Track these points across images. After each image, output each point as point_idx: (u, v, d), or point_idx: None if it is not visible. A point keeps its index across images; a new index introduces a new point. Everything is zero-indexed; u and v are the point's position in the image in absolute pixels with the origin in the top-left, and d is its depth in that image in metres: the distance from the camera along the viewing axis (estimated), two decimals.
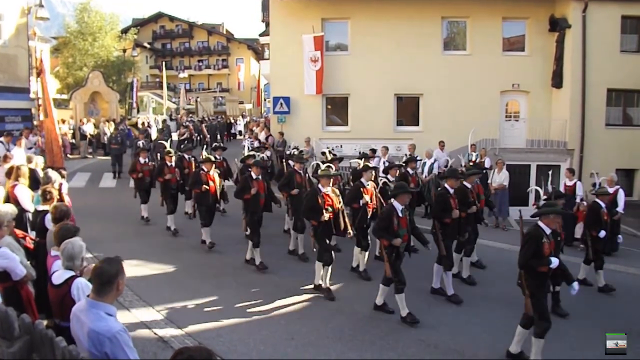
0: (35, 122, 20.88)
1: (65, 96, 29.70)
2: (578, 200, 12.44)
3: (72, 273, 4.12)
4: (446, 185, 8.43)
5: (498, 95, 18.56)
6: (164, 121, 29.95)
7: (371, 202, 8.77)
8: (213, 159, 10.99)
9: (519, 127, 18.74)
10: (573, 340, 6.82)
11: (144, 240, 10.80)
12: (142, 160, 12.22)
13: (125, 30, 35.52)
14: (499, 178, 13.67)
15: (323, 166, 8.65)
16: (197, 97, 43.64)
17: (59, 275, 4.16)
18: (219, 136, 29.85)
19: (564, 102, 17.83)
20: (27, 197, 7.56)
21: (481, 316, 7.53)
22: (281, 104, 18.58)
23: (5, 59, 20.70)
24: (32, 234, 6.40)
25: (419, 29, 18.24)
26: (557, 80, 17.92)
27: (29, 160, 9.62)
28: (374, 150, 14.99)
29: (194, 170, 11.82)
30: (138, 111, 32.55)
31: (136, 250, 9.87)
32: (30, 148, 14.00)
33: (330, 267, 7.98)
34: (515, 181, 15.11)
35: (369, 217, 8.78)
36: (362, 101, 18.60)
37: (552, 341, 6.47)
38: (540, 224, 6.07)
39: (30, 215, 7.23)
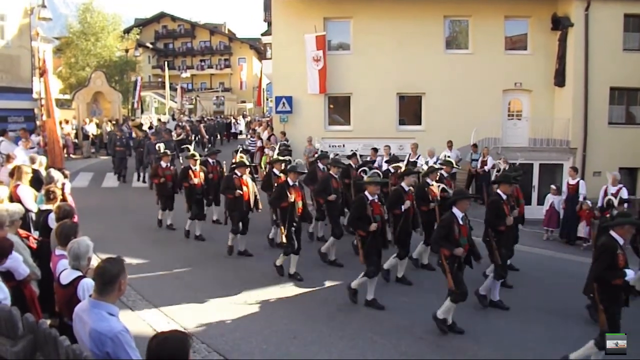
0: (38, 122, 20.94)
1: (67, 96, 29.78)
2: (581, 199, 12.42)
3: (79, 273, 4.14)
4: (499, 191, 8.04)
5: (500, 94, 18.54)
6: (159, 120, 29.52)
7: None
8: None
9: (522, 125, 18.71)
10: (574, 340, 6.80)
11: (147, 240, 10.82)
12: (163, 164, 11.53)
13: (127, 31, 35.54)
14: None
15: (369, 172, 8.36)
16: (197, 96, 43.33)
17: (66, 275, 4.17)
18: (218, 137, 29.39)
19: (566, 100, 17.79)
20: (29, 197, 7.59)
21: (483, 316, 7.53)
22: (283, 103, 18.60)
23: (8, 60, 20.76)
24: (35, 234, 6.41)
25: (421, 28, 18.23)
26: (560, 79, 17.89)
27: (33, 160, 9.65)
28: (375, 149, 14.99)
29: (219, 174, 11.60)
30: (142, 111, 32.38)
31: (139, 250, 9.88)
32: (32, 148, 14.02)
33: (375, 279, 7.56)
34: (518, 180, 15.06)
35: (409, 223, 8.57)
36: (365, 100, 18.60)
37: (555, 342, 6.47)
38: (614, 234, 5.78)
39: (33, 215, 7.24)
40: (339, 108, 19.46)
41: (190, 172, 10.82)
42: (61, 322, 4.21)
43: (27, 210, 7.27)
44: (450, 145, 15.90)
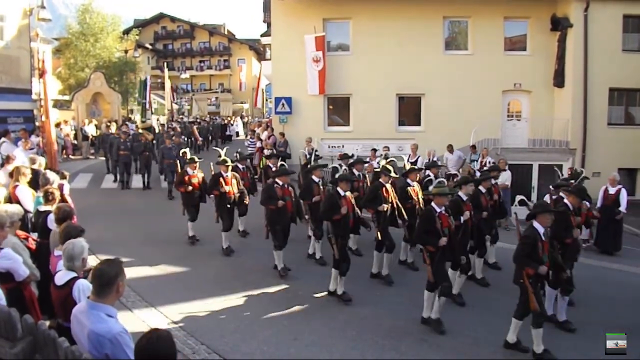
0: (37, 123, 20.91)
1: (67, 97, 29.75)
2: None
3: (74, 274, 4.12)
4: (567, 201, 7.74)
5: (500, 94, 18.56)
6: (157, 121, 28.99)
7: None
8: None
9: (521, 126, 18.72)
10: (574, 340, 6.81)
11: (147, 241, 10.78)
12: (190, 171, 10.61)
13: (126, 31, 35.51)
14: (501, 178, 13.60)
15: (433, 183, 8.20)
16: (193, 95, 42.57)
17: (61, 276, 4.16)
18: (210, 138, 28.28)
19: (566, 101, 17.81)
20: (28, 198, 7.57)
21: (484, 316, 7.52)
22: (283, 104, 18.60)
23: (7, 60, 20.74)
24: (34, 235, 6.40)
25: (421, 29, 18.25)
26: (559, 80, 17.91)
27: (32, 161, 9.62)
28: (375, 150, 15.00)
29: (250, 181, 11.20)
30: (152, 112, 30.49)
31: (139, 251, 9.86)
32: (32, 149, 14.00)
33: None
34: (518, 181, 15.09)
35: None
36: (364, 101, 18.61)
37: (554, 341, 6.46)
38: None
39: (30, 216, 7.22)
40: (339, 109, 19.46)
41: (222, 179, 9.96)
42: (58, 324, 4.19)
43: (26, 211, 7.26)
44: (450, 149, 15.86)
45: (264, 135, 19.52)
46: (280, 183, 8.73)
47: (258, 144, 18.84)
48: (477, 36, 18.45)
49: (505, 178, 13.64)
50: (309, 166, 10.90)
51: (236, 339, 6.45)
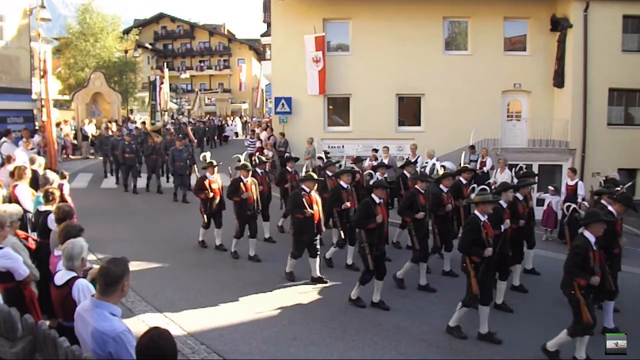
0: (37, 123, 20.91)
1: (67, 97, 29.74)
2: (580, 200, 12.41)
3: (73, 274, 4.13)
4: (611, 209, 7.60)
5: (500, 95, 18.57)
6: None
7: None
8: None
9: (521, 127, 18.74)
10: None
11: (146, 241, 10.80)
12: (210, 176, 10.20)
13: (126, 31, 35.50)
14: (501, 178, 13.64)
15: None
16: (199, 91, 41.16)
17: (60, 275, 4.16)
18: (206, 140, 27.31)
19: (565, 101, 17.82)
20: (27, 198, 7.58)
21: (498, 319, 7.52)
22: (283, 104, 18.60)
23: (7, 60, 20.74)
24: (33, 235, 6.41)
25: (421, 29, 18.26)
26: (559, 80, 17.93)
27: (32, 161, 9.63)
28: (375, 150, 15.01)
29: (268, 186, 11.00)
30: (162, 114, 28.08)
31: (138, 250, 9.87)
32: (32, 149, 14.00)
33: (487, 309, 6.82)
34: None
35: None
36: (364, 101, 18.61)
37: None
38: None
39: (30, 216, 7.23)
40: (338, 109, 19.47)
41: (242, 184, 9.52)
42: (58, 324, 4.20)
43: (25, 211, 7.27)
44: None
45: (263, 136, 19.53)
46: (307, 190, 8.36)
47: (258, 144, 18.85)
48: (477, 36, 18.46)
49: (505, 178, 13.64)
50: (329, 171, 10.71)
51: (235, 339, 6.45)
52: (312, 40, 18.07)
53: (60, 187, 7.64)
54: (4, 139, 14.11)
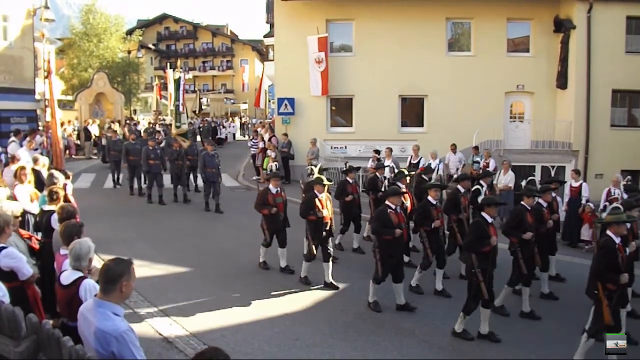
0: (41, 123, 20.98)
1: (70, 97, 29.85)
2: (584, 201, 12.39)
3: (80, 274, 4.15)
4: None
5: (502, 96, 18.53)
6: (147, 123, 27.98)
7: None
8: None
9: (524, 128, 18.71)
10: (574, 340, 6.79)
11: (149, 241, 10.82)
12: (273, 189, 8.99)
13: (130, 32, 35.61)
14: (505, 179, 13.66)
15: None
16: (198, 90, 38.77)
17: (67, 275, 4.18)
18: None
19: (568, 103, 17.78)
20: (26, 198, 7.60)
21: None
22: (286, 105, 18.60)
23: (11, 60, 20.82)
24: (37, 234, 6.43)
25: (424, 30, 18.23)
26: (562, 81, 17.88)
27: (36, 161, 9.67)
28: (377, 152, 14.99)
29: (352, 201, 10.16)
30: (188, 116, 27.36)
31: (141, 251, 9.89)
32: (36, 149, 14.04)
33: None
34: (521, 183, 15.06)
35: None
36: (367, 102, 18.60)
37: (554, 342, 6.45)
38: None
39: (29, 217, 7.25)
40: (341, 110, 19.46)
41: (317, 201, 8.39)
42: (62, 323, 4.22)
43: (24, 212, 7.29)
44: (453, 148, 15.83)
45: (266, 136, 19.53)
46: (393, 206, 7.49)
47: (261, 145, 18.86)
48: (480, 37, 18.43)
49: (508, 180, 13.65)
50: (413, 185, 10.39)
51: (238, 339, 6.46)
52: (315, 41, 18.06)
53: (64, 187, 7.67)
54: (12, 138, 14.19)
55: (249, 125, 38.07)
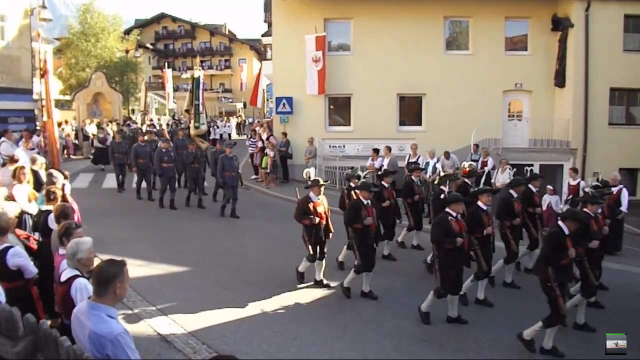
0: (38, 123, 20.94)
1: (68, 97, 29.83)
2: None
3: (76, 272, 4.13)
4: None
5: (501, 94, 18.55)
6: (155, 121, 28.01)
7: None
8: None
9: (522, 126, 18.73)
10: (575, 340, 6.81)
11: (148, 241, 10.81)
12: (314, 197, 8.26)
13: (128, 31, 35.59)
14: (503, 178, 13.64)
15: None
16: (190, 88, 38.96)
17: (66, 274, 4.18)
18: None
19: (566, 101, 17.80)
20: (23, 198, 7.57)
21: (485, 316, 7.52)
22: (284, 104, 18.60)
23: (8, 60, 20.79)
24: (34, 234, 6.40)
25: (422, 29, 18.24)
26: (560, 80, 17.91)
27: (33, 161, 9.63)
28: (376, 150, 14.99)
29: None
30: (207, 115, 25.34)
31: (140, 250, 9.88)
32: (33, 149, 13.98)
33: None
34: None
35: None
36: (365, 101, 18.60)
37: (555, 342, 6.45)
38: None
39: (27, 217, 7.22)
40: (340, 109, 19.46)
41: (363, 208, 7.86)
42: (62, 322, 4.21)
43: (22, 212, 7.27)
44: (447, 154, 15.41)
45: (264, 135, 19.52)
46: (454, 214, 7.00)
47: (259, 144, 18.84)
48: (478, 36, 18.44)
49: (506, 178, 13.63)
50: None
51: (237, 339, 6.45)
52: (313, 40, 18.05)
53: (63, 187, 7.64)
54: (2, 138, 14.12)
55: (246, 125, 37.86)
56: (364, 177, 9.01)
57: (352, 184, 9.02)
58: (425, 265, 9.35)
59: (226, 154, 13.02)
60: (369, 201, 7.96)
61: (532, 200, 9.47)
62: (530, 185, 9.59)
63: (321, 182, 8.48)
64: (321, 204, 8.30)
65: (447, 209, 7.09)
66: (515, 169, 11.93)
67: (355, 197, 8.18)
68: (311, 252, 8.24)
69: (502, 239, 8.57)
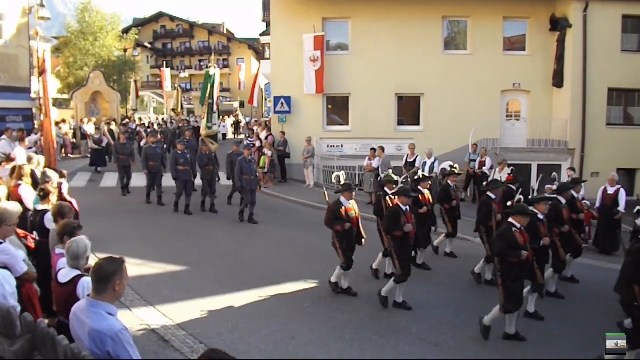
0: (36, 122, 20.90)
1: (66, 96, 29.77)
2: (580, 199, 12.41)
3: (78, 272, 4.13)
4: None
5: (499, 94, 18.57)
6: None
7: None
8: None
9: (520, 126, 18.76)
10: (574, 340, 6.82)
11: (146, 240, 10.79)
12: (345, 202, 7.88)
13: (126, 30, 35.56)
14: (502, 178, 13.65)
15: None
16: (177, 86, 36.66)
17: (64, 273, 4.16)
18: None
19: (564, 101, 17.83)
20: (31, 197, 7.57)
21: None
22: (282, 103, 18.60)
23: (6, 59, 20.73)
24: (34, 234, 6.40)
25: (420, 29, 18.25)
26: (558, 80, 17.94)
27: (29, 160, 9.62)
28: (374, 150, 15.00)
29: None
30: (220, 116, 21.66)
31: (138, 249, 9.86)
32: (30, 148, 13.95)
33: None
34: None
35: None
36: (363, 101, 18.60)
37: (554, 342, 6.47)
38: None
39: (29, 215, 7.22)
40: (338, 108, 19.46)
41: (402, 214, 7.46)
42: (58, 321, 4.20)
43: (27, 210, 7.26)
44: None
45: (262, 135, 19.52)
46: (518, 225, 6.63)
47: (257, 144, 18.84)
48: (476, 36, 18.46)
49: (504, 178, 13.64)
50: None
51: (234, 338, 6.45)
52: (311, 39, 18.05)
53: (59, 186, 7.63)
54: (3, 136, 14.11)
55: (241, 124, 37.72)
56: (402, 181, 8.64)
57: (387, 189, 8.62)
58: (473, 276, 9.01)
59: (244, 157, 12.51)
60: (408, 207, 7.61)
61: (574, 206, 9.04)
62: (572, 191, 9.16)
63: (352, 186, 8.08)
64: (352, 209, 7.92)
65: (510, 220, 6.73)
66: (513, 168, 11.91)
67: (392, 203, 7.87)
68: (344, 260, 7.87)
69: (550, 247, 7.95)
